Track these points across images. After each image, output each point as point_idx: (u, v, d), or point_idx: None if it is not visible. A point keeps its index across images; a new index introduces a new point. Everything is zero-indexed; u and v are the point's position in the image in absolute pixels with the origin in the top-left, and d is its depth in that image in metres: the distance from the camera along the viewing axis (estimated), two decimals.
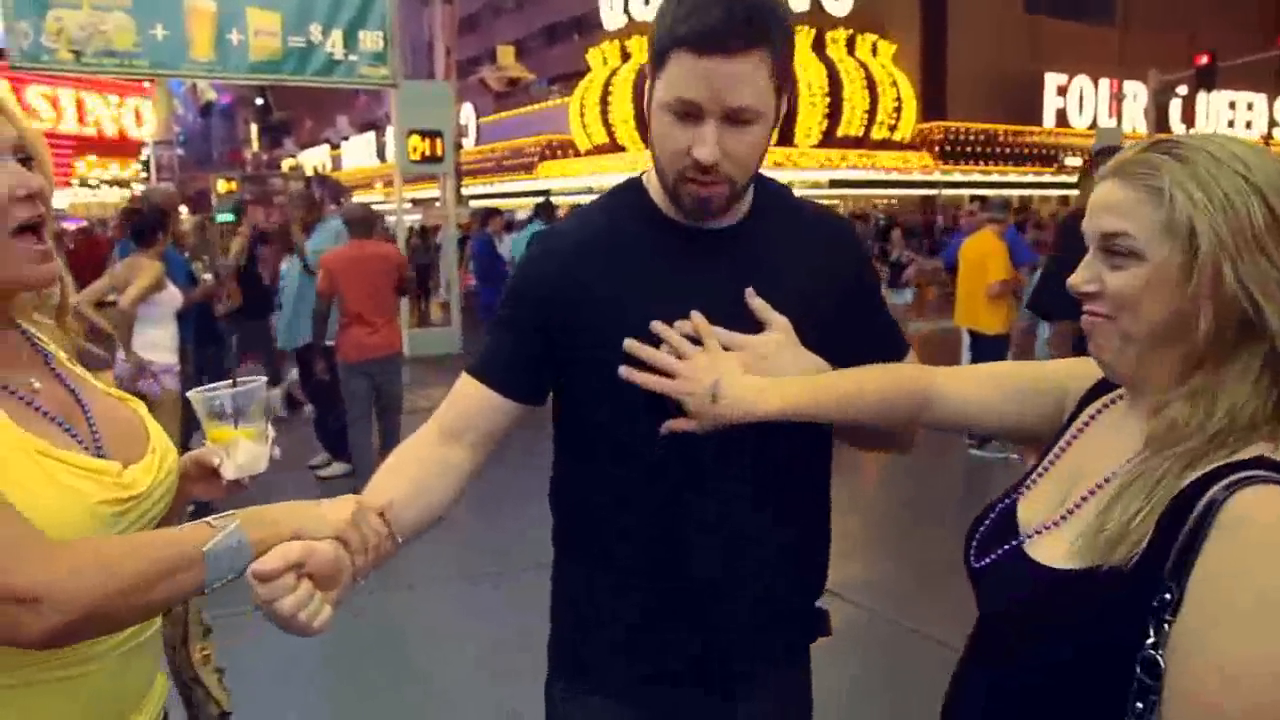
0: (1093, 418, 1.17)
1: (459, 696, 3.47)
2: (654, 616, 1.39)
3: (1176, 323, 1.00)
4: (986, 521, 1.18)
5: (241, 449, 1.33)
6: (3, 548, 0.99)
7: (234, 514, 1.13)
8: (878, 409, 1.36)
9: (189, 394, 1.36)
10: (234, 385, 1.33)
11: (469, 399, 1.40)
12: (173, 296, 5.28)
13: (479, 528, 4.89)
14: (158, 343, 5.18)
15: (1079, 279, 1.06)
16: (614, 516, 1.39)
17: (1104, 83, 28.83)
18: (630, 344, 1.30)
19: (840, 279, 1.43)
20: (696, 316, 1.32)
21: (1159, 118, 17.68)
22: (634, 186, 1.45)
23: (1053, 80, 29.44)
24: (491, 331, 1.44)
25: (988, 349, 6.73)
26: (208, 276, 6.32)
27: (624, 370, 1.30)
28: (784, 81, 1.30)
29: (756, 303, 1.34)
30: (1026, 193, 26.41)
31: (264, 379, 1.38)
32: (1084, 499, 1.05)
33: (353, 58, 7.77)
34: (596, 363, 1.33)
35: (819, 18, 24.58)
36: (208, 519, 1.13)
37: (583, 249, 1.39)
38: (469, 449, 1.39)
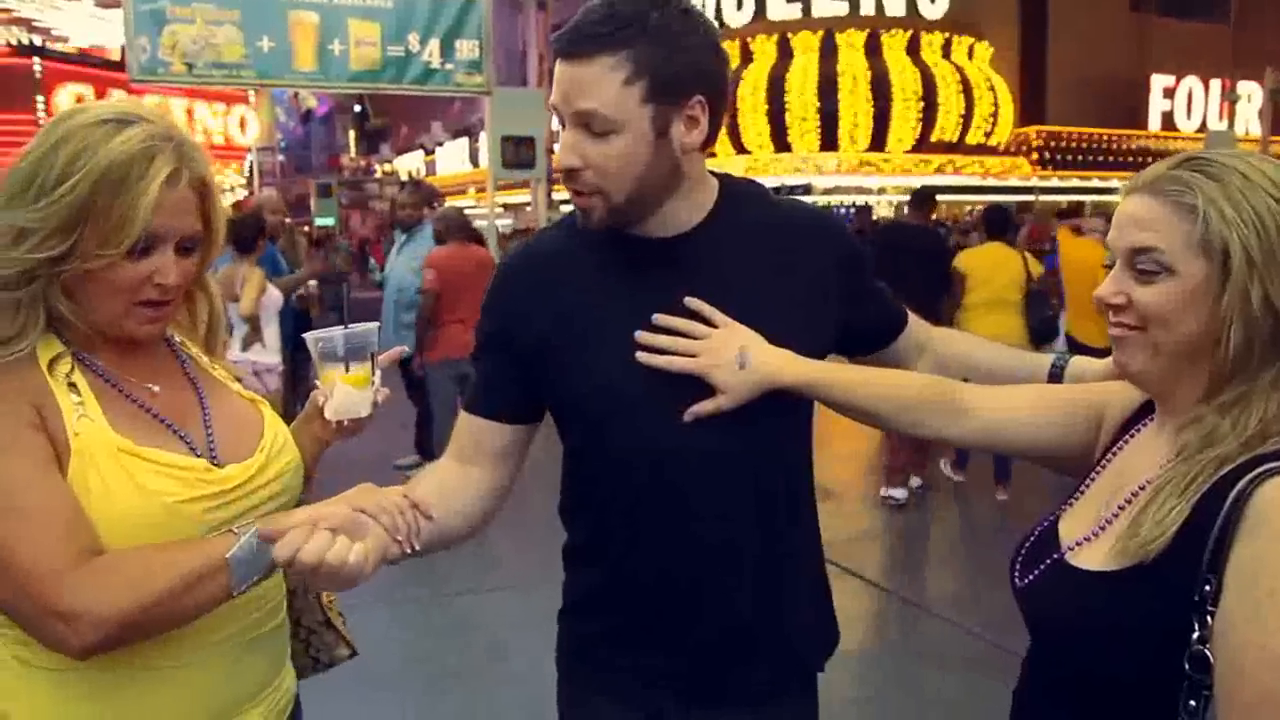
0: (1130, 438, 1.19)
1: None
2: (657, 620, 1.41)
3: (1207, 337, 1.02)
4: (1029, 543, 1.20)
5: (338, 391, 1.37)
6: (47, 571, 1.07)
7: (255, 523, 1.17)
8: (896, 405, 1.36)
9: (305, 335, 1.40)
10: (346, 329, 1.37)
11: (470, 429, 1.45)
12: (274, 298, 5.44)
13: None
14: (263, 341, 5.36)
15: (1106, 290, 1.08)
16: (617, 521, 1.41)
17: (1215, 83, 27.63)
18: (642, 335, 1.33)
19: (817, 267, 1.42)
20: (693, 302, 1.34)
21: (1276, 118, 16.83)
22: None
23: (1159, 82, 28.32)
24: (473, 360, 1.49)
25: None
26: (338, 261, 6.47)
27: (642, 355, 1.32)
28: (667, 92, 1.27)
29: (696, 305, 1.35)
30: None
31: (376, 324, 1.42)
32: (1120, 508, 1.08)
33: (449, 66, 7.90)
34: (563, 377, 1.37)
35: (913, 21, 24.13)
36: (231, 527, 1.18)
37: (538, 266, 1.42)
38: (486, 468, 1.43)
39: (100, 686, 1.17)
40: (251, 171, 23.73)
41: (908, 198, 7.32)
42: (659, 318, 1.34)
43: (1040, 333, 5.87)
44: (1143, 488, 1.06)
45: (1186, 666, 0.94)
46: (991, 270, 5.87)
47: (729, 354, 1.31)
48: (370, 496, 1.20)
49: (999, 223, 6.28)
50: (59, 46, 12.88)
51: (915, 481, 6.17)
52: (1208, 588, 0.93)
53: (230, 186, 25.89)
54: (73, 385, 1.18)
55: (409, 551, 1.23)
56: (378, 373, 1.42)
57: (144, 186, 1.14)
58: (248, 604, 1.24)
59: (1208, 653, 0.93)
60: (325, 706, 1.51)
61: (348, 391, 1.37)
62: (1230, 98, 21.83)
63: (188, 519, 1.18)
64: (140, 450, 1.18)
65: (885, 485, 6.14)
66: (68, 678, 1.16)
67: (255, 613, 1.28)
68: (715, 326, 1.34)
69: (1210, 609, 0.93)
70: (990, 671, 3.65)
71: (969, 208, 26.22)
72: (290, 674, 1.41)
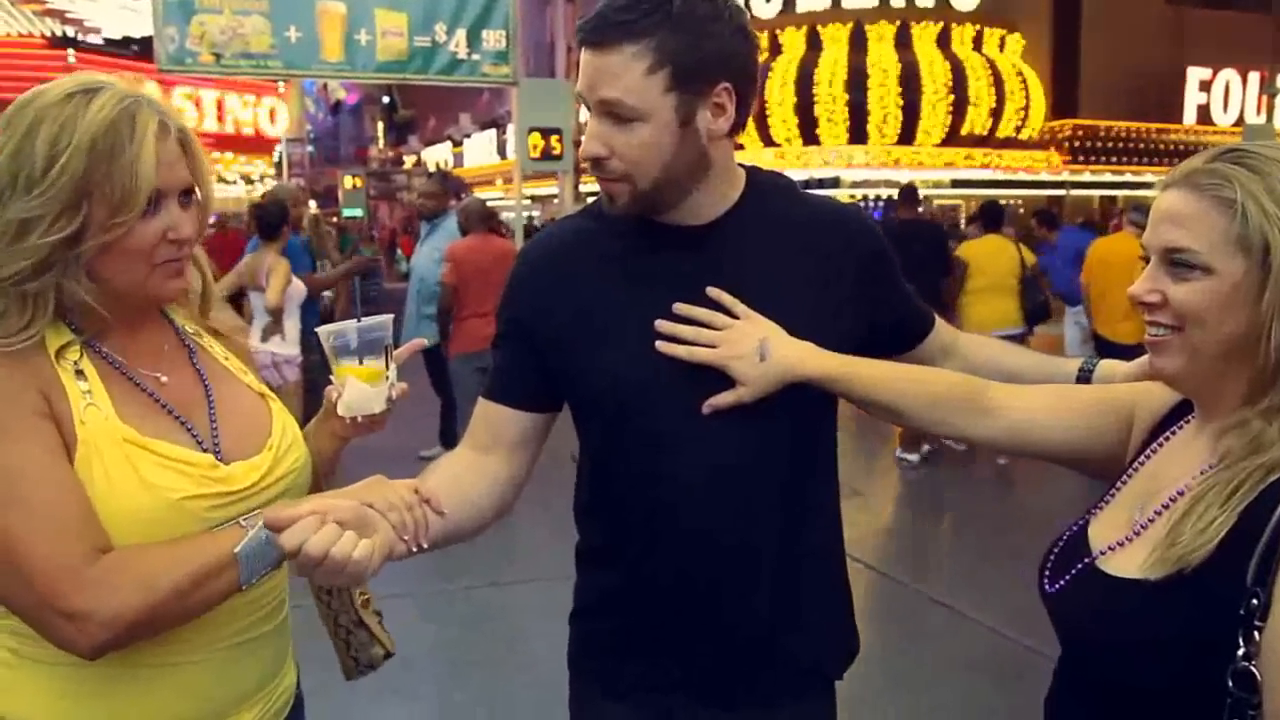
0: (1164, 440, 1.14)
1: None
2: (675, 620, 1.38)
3: (1248, 337, 0.97)
4: (1058, 547, 1.16)
5: (349, 387, 1.33)
6: (56, 569, 1.06)
7: (263, 512, 1.14)
8: (921, 401, 1.33)
9: (318, 329, 1.37)
10: (360, 322, 1.33)
11: (488, 416, 1.43)
12: (297, 289, 5.46)
13: None
14: (282, 333, 5.37)
15: (1140, 288, 1.03)
16: (636, 521, 1.38)
17: (1253, 76, 27.12)
18: (663, 324, 1.31)
19: (842, 263, 1.40)
20: (714, 292, 1.32)
21: None
22: None
23: (1195, 74, 27.80)
24: (493, 348, 1.47)
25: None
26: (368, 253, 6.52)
27: (662, 345, 1.30)
28: (691, 80, 1.26)
29: (718, 295, 1.33)
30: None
31: (390, 317, 1.38)
32: (1156, 514, 1.03)
33: (475, 57, 7.90)
34: (582, 374, 1.36)
35: (944, 12, 23.86)
36: (239, 520, 1.17)
37: (559, 255, 1.41)
38: (502, 458, 1.41)
39: (94, 683, 1.15)
40: (281, 162, 23.88)
41: (945, 191, 7.89)
42: (679, 307, 1.32)
43: (1034, 315, 6.84)
44: (1181, 493, 1.02)
45: (1230, 684, 0.90)
46: (990, 259, 6.76)
47: (749, 346, 1.29)
48: (379, 491, 1.17)
49: (996, 216, 7.34)
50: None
51: (925, 447, 6.72)
52: (1255, 601, 0.89)
53: (260, 177, 26.03)
54: (80, 373, 1.16)
55: (415, 550, 1.20)
56: (393, 367, 1.38)
57: (138, 146, 1.12)
58: (246, 607, 1.23)
59: (1254, 669, 0.89)
60: (347, 695, 1.50)
61: (359, 387, 1.33)
62: (1269, 90, 21.48)
63: (191, 515, 1.16)
64: (145, 441, 1.16)
65: (902, 449, 6.82)
66: (61, 673, 1.14)
67: (252, 616, 1.26)
68: (737, 318, 1.32)
69: (1258, 624, 0.89)
70: (1012, 670, 3.60)
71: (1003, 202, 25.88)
72: (291, 672, 1.39)
